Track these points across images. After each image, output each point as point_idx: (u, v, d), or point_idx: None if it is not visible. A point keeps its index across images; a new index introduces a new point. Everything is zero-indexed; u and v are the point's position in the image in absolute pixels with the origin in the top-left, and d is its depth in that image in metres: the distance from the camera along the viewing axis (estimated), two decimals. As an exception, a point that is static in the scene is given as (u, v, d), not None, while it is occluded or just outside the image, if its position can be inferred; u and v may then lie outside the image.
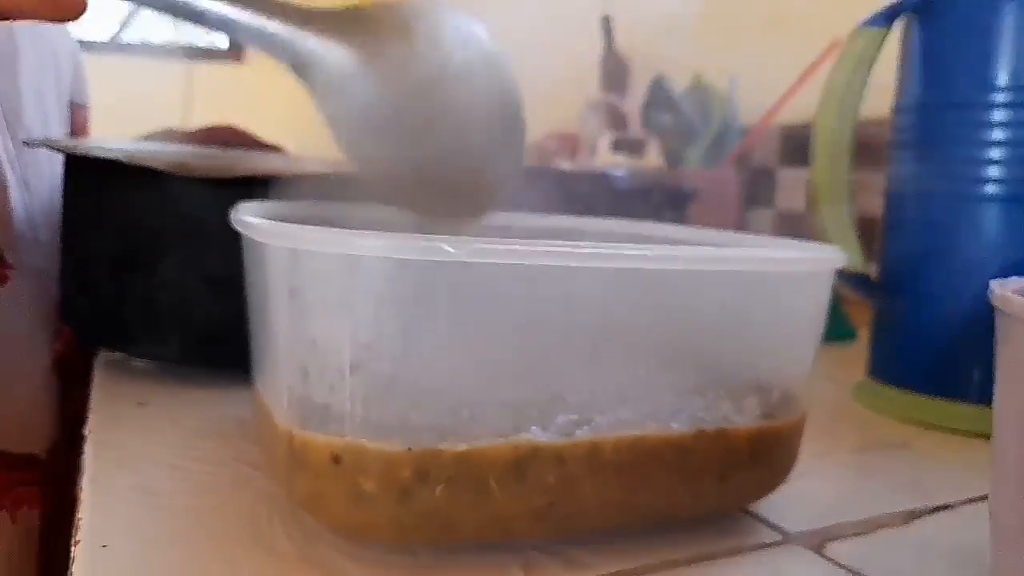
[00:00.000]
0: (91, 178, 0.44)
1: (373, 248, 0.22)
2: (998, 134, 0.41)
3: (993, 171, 0.41)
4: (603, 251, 0.24)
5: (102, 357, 0.47)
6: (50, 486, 0.50)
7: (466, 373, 0.24)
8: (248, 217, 0.26)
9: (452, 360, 0.23)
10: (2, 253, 0.50)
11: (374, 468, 0.23)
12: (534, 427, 0.24)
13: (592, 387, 0.25)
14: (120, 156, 0.40)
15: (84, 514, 0.28)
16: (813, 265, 0.28)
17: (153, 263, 0.42)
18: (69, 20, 0.26)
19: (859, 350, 0.52)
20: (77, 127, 0.67)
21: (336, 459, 0.23)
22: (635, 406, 0.25)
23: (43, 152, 0.56)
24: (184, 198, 0.41)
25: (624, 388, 0.25)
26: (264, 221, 0.24)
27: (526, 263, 0.23)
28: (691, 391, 0.26)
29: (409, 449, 0.23)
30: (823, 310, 0.29)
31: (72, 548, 0.26)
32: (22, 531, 0.48)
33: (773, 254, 0.27)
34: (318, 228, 0.22)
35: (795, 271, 0.27)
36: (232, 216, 0.27)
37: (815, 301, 0.28)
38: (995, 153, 0.41)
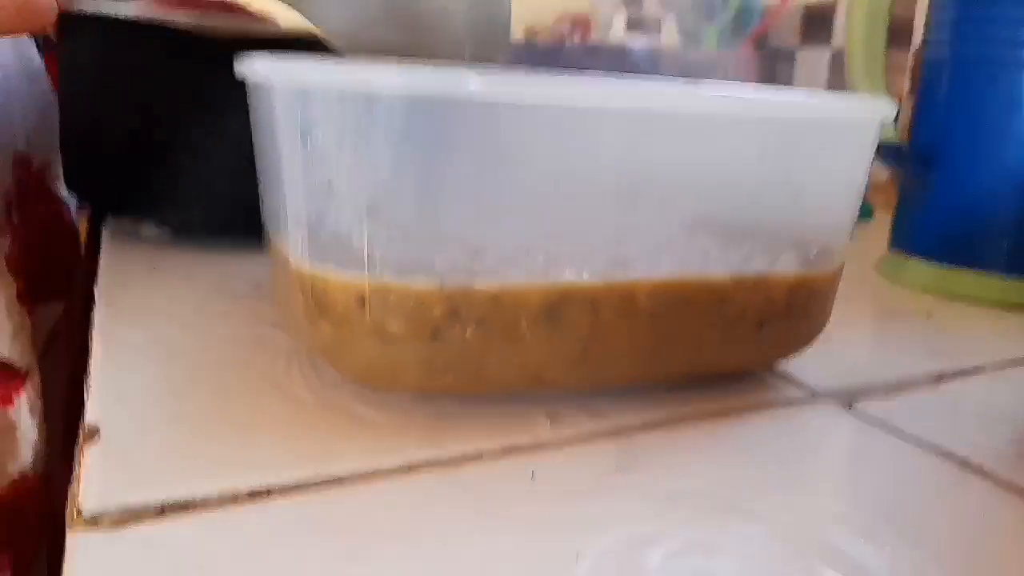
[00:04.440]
0: (100, 42, 0.42)
1: (390, 85, 0.20)
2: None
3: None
4: (636, 91, 0.22)
5: (109, 229, 0.46)
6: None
7: (490, 218, 0.22)
8: (255, 62, 0.24)
9: (476, 204, 0.22)
10: None
11: (403, 307, 0.22)
12: (567, 271, 0.23)
13: (625, 238, 0.23)
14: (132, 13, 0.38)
15: (95, 368, 0.27)
16: (861, 113, 0.26)
17: (170, 130, 0.40)
18: (39, 29, 0.23)
19: (877, 229, 0.51)
20: None
21: (361, 300, 0.22)
22: (670, 258, 0.24)
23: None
24: (202, 60, 0.39)
25: (658, 239, 0.24)
26: (272, 63, 0.23)
27: (552, 103, 0.21)
28: (728, 244, 0.25)
29: (441, 286, 0.22)
30: (867, 163, 0.27)
31: (85, 399, 0.25)
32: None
33: (820, 101, 0.25)
34: (329, 65, 0.21)
35: (842, 119, 0.26)
36: (236, 65, 0.26)
37: (860, 153, 0.27)
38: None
